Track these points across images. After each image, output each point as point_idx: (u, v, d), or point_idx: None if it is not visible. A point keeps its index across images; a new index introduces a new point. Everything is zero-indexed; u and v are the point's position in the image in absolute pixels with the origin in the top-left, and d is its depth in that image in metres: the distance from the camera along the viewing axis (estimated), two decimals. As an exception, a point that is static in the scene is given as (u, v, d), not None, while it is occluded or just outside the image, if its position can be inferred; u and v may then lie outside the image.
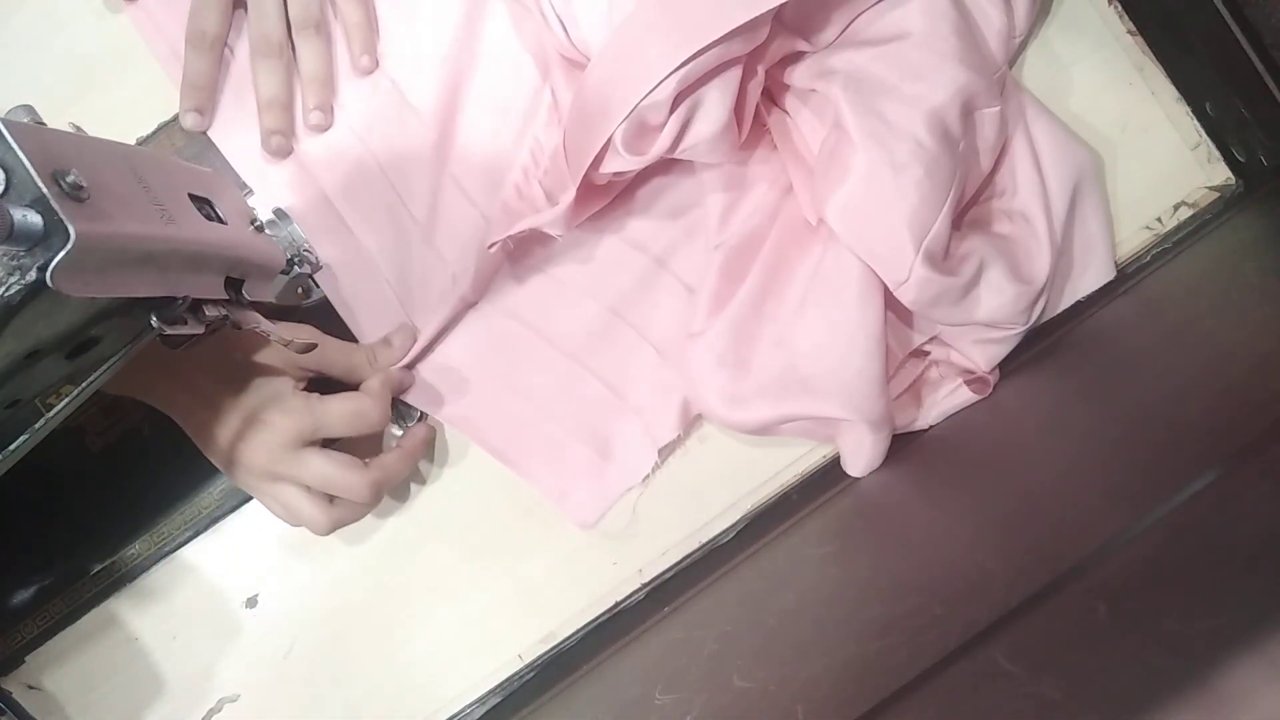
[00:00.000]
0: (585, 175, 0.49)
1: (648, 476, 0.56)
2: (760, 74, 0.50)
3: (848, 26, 0.51)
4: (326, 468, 0.50)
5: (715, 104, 0.48)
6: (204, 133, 0.55)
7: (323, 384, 0.52)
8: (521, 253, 0.56)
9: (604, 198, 0.53)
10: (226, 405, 0.49)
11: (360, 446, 0.54)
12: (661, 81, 0.46)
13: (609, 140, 0.48)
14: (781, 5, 0.45)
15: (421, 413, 0.57)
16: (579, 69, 0.52)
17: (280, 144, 0.54)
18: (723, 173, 0.54)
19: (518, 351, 0.56)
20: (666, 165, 0.54)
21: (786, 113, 0.53)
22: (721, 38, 0.45)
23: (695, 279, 0.55)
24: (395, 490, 0.57)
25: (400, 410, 0.56)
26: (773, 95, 0.54)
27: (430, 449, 0.57)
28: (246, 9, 0.53)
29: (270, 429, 0.49)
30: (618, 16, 0.48)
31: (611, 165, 0.49)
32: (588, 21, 0.49)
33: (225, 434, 0.49)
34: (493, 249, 0.52)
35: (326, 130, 0.55)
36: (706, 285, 0.53)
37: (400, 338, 0.55)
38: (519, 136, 0.55)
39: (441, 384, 0.56)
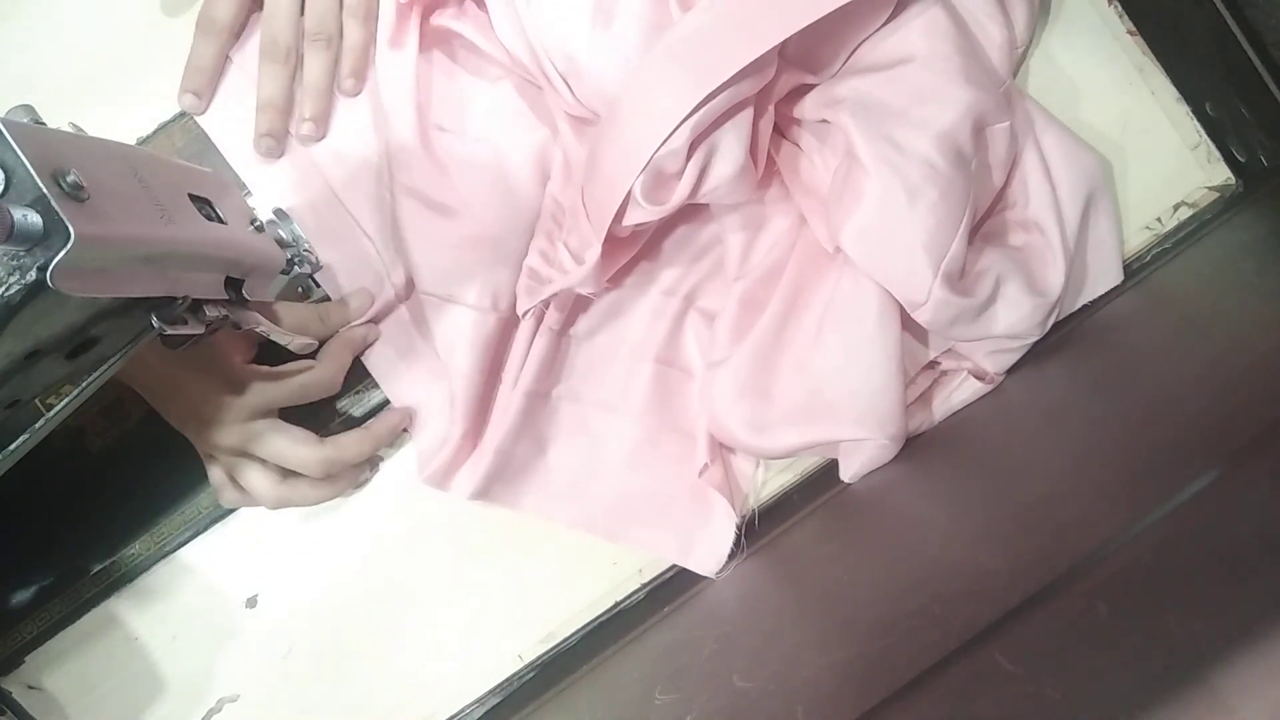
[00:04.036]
0: (608, 229, 0.49)
1: (746, 501, 0.56)
2: (770, 111, 0.50)
3: (851, 55, 0.51)
4: (279, 440, 0.50)
5: (731, 145, 0.48)
6: (197, 116, 0.55)
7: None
8: (566, 325, 0.55)
9: (629, 249, 0.53)
10: (180, 385, 0.49)
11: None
12: (676, 129, 0.45)
13: (629, 193, 0.47)
14: (785, 41, 0.45)
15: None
16: (587, 126, 0.52)
17: (270, 146, 0.54)
18: (741, 212, 0.54)
19: (592, 433, 0.56)
20: (688, 211, 0.55)
21: (797, 146, 0.54)
22: (730, 80, 0.45)
23: (717, 309, 0.55)
24: (393, 489, 0.57)
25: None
26: (781, 130, 0.54)
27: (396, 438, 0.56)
28: (262, 8, 0.53)
29: (221, 406, 0.49)
30: (624, 70, 0.48)
31: (634, 217, 0.49)
32: (593, 77, 0.49)
33: (182, 412, 0.50)
34: (526, 315, 0.53)
35: (316, 142, 0.55)
36: (727, 314, 0.53)
37: (357, 297, 0.54)
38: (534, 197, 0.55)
39: (529, 483, 0.56)
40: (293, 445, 0.51)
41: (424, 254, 0.54)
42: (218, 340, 0.50)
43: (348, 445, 0.53)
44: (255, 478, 0.51)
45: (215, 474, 0.52)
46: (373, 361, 0.56)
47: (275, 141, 0.54)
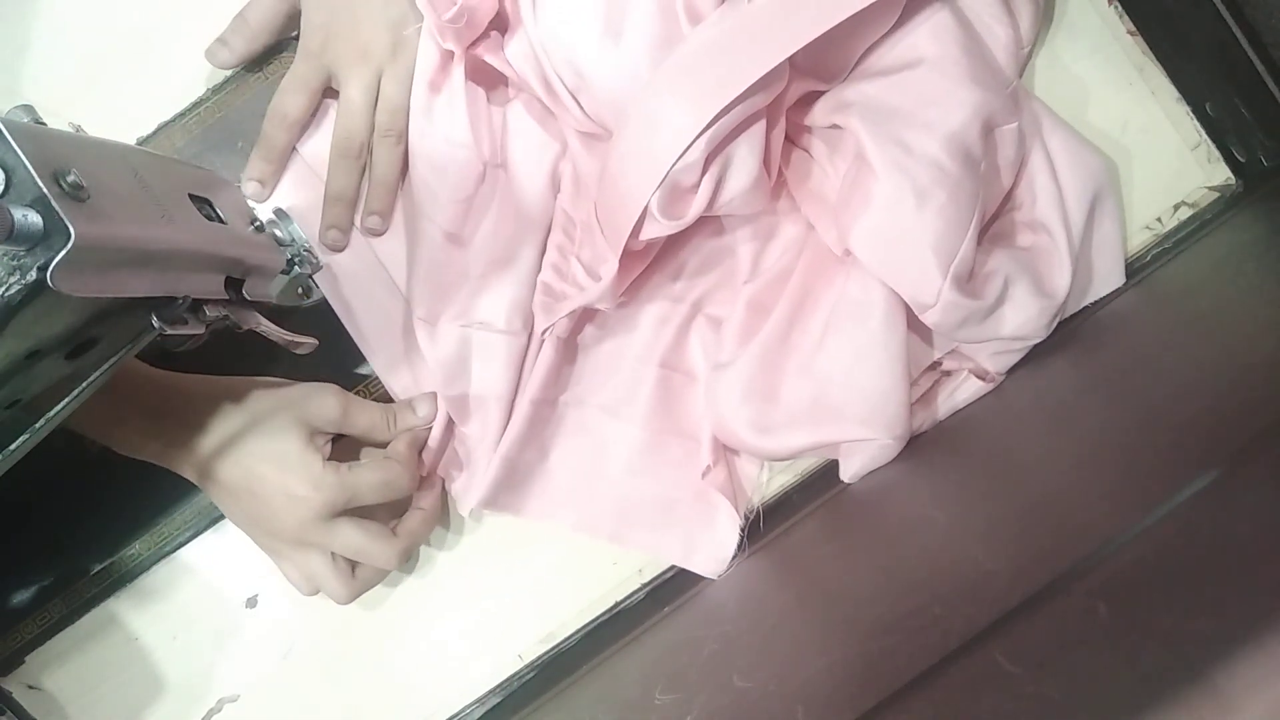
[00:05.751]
0: (624, 245, 0.49)
1: (750, 503, 0.56)
2: (782, 122, 0.50)
3: (859, 61, 0.51)
4: (358, 539, 0.50)
5: (746, 157, 0.48)
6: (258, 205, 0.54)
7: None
8: (573, 333, 0.55)
9: (643, 262, 0.53)
10: (250, 477, 0.49)
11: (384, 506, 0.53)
12: (692, 143, 0.45)
13: (645, 208, 0.47)
14: (795, 51, 0.45)
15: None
16: (597, 141, 0.52)
17: (337, 238, 0.54)
18: (752, 222, 0.54)
19: (596, 437, 0.56)
20: (698, 222, 0.54)
21: (808, 153, 0.54)
22: (744, 93, 0.45)
23: (724, 315, 0.55)
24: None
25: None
26: (791, 137, 0.54)
27: (446, 506, 0.57)
28: (338, 99, 0.53)
29: (301, 503, 0.49)
30: (633, 84, 0.48)
31: (650, 232, 0.49)
32: (602, 92, 0.49)
33: (252, 505, 0.50)
34: (545, 334, 0.53)
35: (380, 235, 0.55)
36: (734, 317, 0.54)
37: (425, 404, 0.54)
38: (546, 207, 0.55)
39: (533, 489, 0.56)
40: (372, 542, 0.51)
41: (448, 285, 0.53)
42: (300, 437, 0.50)
43: (416, 531, 0.53)
44: (330, 577, 0.51)
45: (292, 572, 0.52)
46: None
47: (342, 234, 0.54)
